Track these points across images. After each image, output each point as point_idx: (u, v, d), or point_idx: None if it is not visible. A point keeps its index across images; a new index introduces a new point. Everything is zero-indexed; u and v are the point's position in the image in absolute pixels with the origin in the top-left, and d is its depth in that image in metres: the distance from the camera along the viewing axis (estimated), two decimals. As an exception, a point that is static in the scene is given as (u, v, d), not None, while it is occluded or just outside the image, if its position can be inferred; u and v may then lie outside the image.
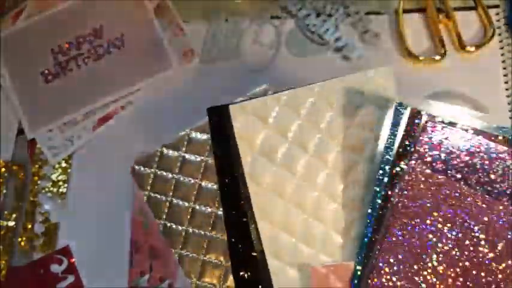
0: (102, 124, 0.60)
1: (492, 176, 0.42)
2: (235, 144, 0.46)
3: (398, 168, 0.44)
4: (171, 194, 0.52)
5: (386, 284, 0.42)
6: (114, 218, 0.56)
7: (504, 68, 0.58)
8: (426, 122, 0.43)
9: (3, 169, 0.59)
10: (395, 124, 0.45)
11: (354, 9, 0.61)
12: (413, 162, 0.43)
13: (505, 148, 0.42)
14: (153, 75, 0.61)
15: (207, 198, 0.51)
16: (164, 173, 0.52)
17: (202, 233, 0.51)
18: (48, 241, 0.57)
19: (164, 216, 0.52)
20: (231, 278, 0.49)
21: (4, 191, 0.58)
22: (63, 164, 0.59)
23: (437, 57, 0.58)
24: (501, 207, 0.41)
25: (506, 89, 0.58)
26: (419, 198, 0.42)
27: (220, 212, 0.50)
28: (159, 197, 0.52)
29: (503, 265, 0.40)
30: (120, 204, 0.56)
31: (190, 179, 0.52)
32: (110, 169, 0.58)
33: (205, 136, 0.52)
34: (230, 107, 0.46)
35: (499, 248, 0.41)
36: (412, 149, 0.43)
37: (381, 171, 0.44)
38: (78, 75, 0.61)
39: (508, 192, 0.41)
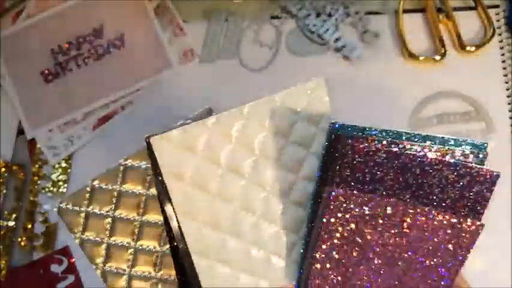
0: (102, 124, 0.60)
1: (427, 189, 0.40)
2: (163, 181, 0.41)
3: (324, 190, 0.42)
4: (107, 233, 0.46)
5: None
6: (114, 218, 0.56)
7: (504, 68, 0.58)
8: (347, 145, 0.41)
9: (3, 169, 0.59)
10: (327, 144, 0.43)
11: (354, 9, 0.61)
12: (335, 189, 0.41)
13: (441, 158, 0.40)
14: (153, 75, 0.61)
15: (150, 235, 0.46)
16: (98, 211, 0.46)
17: (148, 275, 0.46)
18: (48, 241, 0.57)
19: (102, 260, 0.46)
20: None
21: (4, 191, 0.58)
22: (63, 164, 0.59)
23: (437, 57, 0.58)
24: (436, 216, 0.40)
25: (507, 89, 0.58)
26: (345, 220, 0.41)
27: (167, 251, 0.45)
28: (93, 238, 0.46)
29: (441, 269, 0.40)
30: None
31: (128, 214, 0.46)
32: (110, 169, 0.58)
33: (143, 165, 0.47)
34: (151, 140, 0.41)
35: (435, 260, 0.40)
36: (334, 174, 0.41)
37: (314, 192, 0.43)
38: (78, 75, 0.61)
39: (447, 202, 0.40)
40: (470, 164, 0.39)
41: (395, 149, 0.41)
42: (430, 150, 0.40)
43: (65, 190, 0.58)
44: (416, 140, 0.41)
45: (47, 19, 0.62)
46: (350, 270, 0.41)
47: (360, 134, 0.42)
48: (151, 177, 0.47)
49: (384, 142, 0.41)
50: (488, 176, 0.39)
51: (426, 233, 0.40)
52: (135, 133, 0.59)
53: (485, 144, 0.40)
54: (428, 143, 0.41)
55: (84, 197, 0.47)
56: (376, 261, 0.41)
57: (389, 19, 0.61)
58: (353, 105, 0.57)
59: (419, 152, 0.40)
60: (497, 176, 0.39)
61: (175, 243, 0.42)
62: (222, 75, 0.60)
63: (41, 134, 0.60)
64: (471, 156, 0.40)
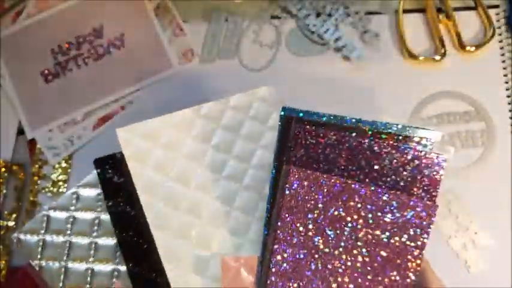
0: (102, 124, 0.60)
1: (379, 171, 0.41)
2: (127, 170, 0.47)
3: (279, 174, 0.44)
4: (65, 258, 0.49)
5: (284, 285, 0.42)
6: (114, 218, 0.56)
7: (504, 68, 0.58)
8: (298, 127, 0.43)
9: (3, 169, 0.59)
10: (279, 131, 0.45)
11: (354, 9, 0.61)
12: (291, 166, 0.42)
13: (390, 142, 0.41)
14: (153, 75, 0.61)
15: (106, 255, 0.49)
16: (55, 237, 0.50)
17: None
18: (48, 241, 0.57)
19: (61, 284, 0.48)
20: None
21: (4, 191, 0.58)
22: (63, 164, 0.59)
23: (437, 57, 0.58)
24: (392, 195, 0.40)
25: (507, 89, 0.58)
26: (303, 200, 0.42)
27: (122, 269, 0.48)
28: (52, 264, 0.49)
29: (405, 252, 0.40)
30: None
31: (84, 238, 0.50)
32: (109, 169, 0.58)
33: (95, 191, 0.51)
34: (117, 130, 0.48)
35: (393, 237, 0.40)
36: (289, 155, 0.43)
37: (270, 178, 0.45)
38: (78, 75, 0.61)
39: (401, 184, 0.41)
40: (418, 148, 0.41)
41: (345, 133, 0.42)
42: (379, 135, 0.42)
43: (65, 190, 0.58)
44: (364, 125, 0.43)
45: (47, 19, 0.62)
46: (311, 245, 0.42)
47: (311, 117, 0.44)
48: (102, 203, 0.50)
49: (334, 125, 0.43)
50: (436, 159, 0.40)
51: (384, 215, 0.40)
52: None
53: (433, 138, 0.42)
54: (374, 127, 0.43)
55: (41, 226, 0.50)
56: (338, 243, 0.41)
57: (389, 19, 0.61)
58: (353, 105, 0.57)
59: (369, 136, 0.42)
60: (444, 160, 0.40)
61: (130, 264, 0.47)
62: (222, 75, 0.60)
63: (41, 134, 0.60)
64: (416, 142, 0.42)
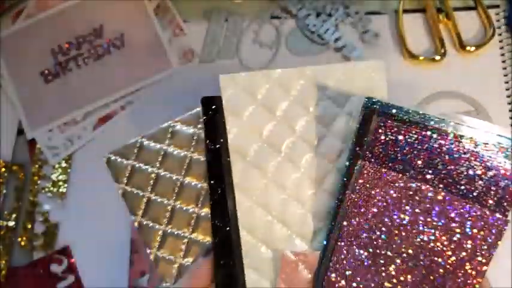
0: (102, 124, 0.60)
1: (456, 177, 0.40)
2: (222, 117, 0.46)
3: (353, 169, 0.43)
4: (149, 189, 0.48)
5: (343, 286, 0.41)
6: (114, 218, 0.56)
7: (504, 68, 0.58)
8: (380, 121, 0.42)
9: (3, 169, 0.59)
10: (359, 121, 0.43)
11: (354, 9, 0.61)
12: (366, 161, 0.41)
13: (468, 148, 0.40)
14: (153, 75, 0.61)
15: (189, 196, 0.48)
16: (143, 166, 0.49)
17: (181, 234, 0.48)
18: (48, 241, 0.57)
19: (140, 213, 0.48)
20: None
21: (4, 191, 0.58)
22: (63, 164, 0.59)
23: (437, 57, 0.58)
24: (464, 205, 0.40)
25: (507, 89, 0.58)
26: (374, 197, 0.41)
27: (202, 213, 0.47)
28: (135, 191, 0.48)
29: (467, 267, 0.39)
30: (120, 204, 0.56)
31: (171, 174, 0.48)
32: (110, 169, 0.58)
33: (191, 130, 0.49)
34: (220, 77, 0.47)
35: (460, 248, 0.39)
36: (366, 149, 0.42)
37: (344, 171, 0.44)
38: (78, 75, 0.61)
39: (474, 194, 0.40)
40: (498, 157, 0.39)
41: (426, 132, 0.41)
42: (460, 139, 0.40)
43: (65, 190, 0.58)
44: (447, 126, 0.41)
45: (47, 19, 0.62)
46: (377, 251, 0.41)
47: (394, 111, 0.42)
48: (195, 143, 0.49)
49: (417, 123, 0.41)
50: None
51: (453, 224, 0.39)
52: (135, 133, 0.59)
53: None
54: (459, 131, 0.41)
55: (132, 152, 0.49)
56: (403, 248, 0.40)
57: (389, 19, 0.61)
58: (353, 105, 0.57)
59: (450, 138, 0.40)
60: None
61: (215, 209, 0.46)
62: (222, 75, 0.60)
63: (41, 134, 0.60)
64: (497, 150, 0.40)
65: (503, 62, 0.58)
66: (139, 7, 0.62)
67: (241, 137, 0.46)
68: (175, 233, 0.48)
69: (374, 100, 0.43)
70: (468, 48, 0.58)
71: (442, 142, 0.40)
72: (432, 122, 0.41)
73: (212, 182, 0.47)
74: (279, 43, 0.61)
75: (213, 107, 0.48)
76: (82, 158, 0.59)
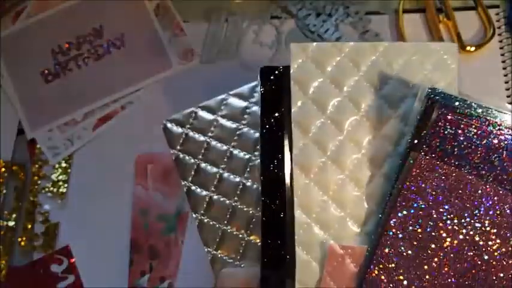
0: (102, 124, 0.60)
1: (511, 175, 0.40)
2: (289, 85, 0.45)
3: (407, 161, 0.42)
4: (200, 156, 0.50)
5: (384, 278, 0.41)
6: (114, 218, 0.56)
7: (504, 68, 0.58)
8: (440, 114, 0.42)
9: (3, 169, 0.59)
10: (420, 112, 0.43)
11: (354, 9, 0.61)
12: (421, 155, 0.41)
13: None
14: (153, 75, 0.61)
15: (237, 166, 0.49)
16: (196, 134, 0.50)
17: (227, 201, 0.49)
18: (48, 241, 0.57)
19: (190, 178, 0.50)
20: (250, 253, 0.47)
21: (4, 191, 0.58)
22: (63, 164, 0.59)
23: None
24: None
25: (506, 89, 0.58)
26: (424, 190, 0.41)
27: (248, 183, 0.48)
28: (187, 157, 0.50)
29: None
30: (120, 204, 0.56)
31: (222, 144, 0.50)
32: (110, 169, 0.58)
33: (244, 103, 0.50)
34: (291, 45, 0.46)
35: (504, 244, 0.39)
36: (423, 141, 0.42)
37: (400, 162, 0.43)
38: (78, 75, 0.61)
39: None
40: None
41: (487, 127, 0.40)
42: None
43: (65, 190, 0.58)
44: (509, 122, 0.41)
45: (47, 19, 0.62)
46: (421, 244, 0.41)
47: (456, 104, 0.41)
48: (247, 115, 0.50)
49: (478, 117, 0.41)
50: None
51: (503, 219, 0.39)
52: (135, 133, 0.59)
53: None
54: None
55: (188, 120, 0.50)
56: (448, 241, 0.40)
57: (389, 19, 0.61)
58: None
59: (510, 134, 0.40)
60: None
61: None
62: (222, 75, 0.60)
63: (41, 134, 0.60)
64: None
65: (503, 62, 0.58)
66: (139, 7, 0.62)
67: (305, 111, 0.46)
68: (221, 199, 0.49)
69: (437, 91, 0.42)
70: (468, 48, 0.58)
71: (502, 138, 0.40)
72: (494, 117, 0.41)
73: (264, 156, 0.47)
74: (279, 43, 0.61)
75: (272, 77, 0.48)
76: (82, 158, 0.59)
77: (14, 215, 0.58)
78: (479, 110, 0.41)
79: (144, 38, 0.62)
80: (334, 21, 0.61)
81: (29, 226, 0.57)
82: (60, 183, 0.58)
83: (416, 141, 0.42)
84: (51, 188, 0.58)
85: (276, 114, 0.47)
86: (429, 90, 0.42)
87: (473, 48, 0.58)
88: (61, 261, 0.56)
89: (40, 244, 0.57)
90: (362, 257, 0.43)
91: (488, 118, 0.41)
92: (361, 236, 0.45)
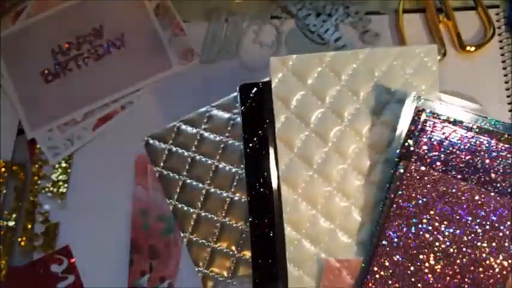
0: (102, 124, 0.60)
1: (493, 175, 0.42)
2: (271, 101, 0.45)
3: (397, 169, 0.43)
4: (185, 173, 0.49)
5: None
6: (114, 218, 0.56)
7: (504, 68, 0.58)
8: (426, 122, 0.43)
9: (3, 169, 0.59)
10: (411, 121, 0.43)
11: (354, 9, 0.61)
12: (411, 162, 0.42)
13: (507, 146, 0.41)
14: (153, 75, 0.61)
15: (224, 181, 0.48)
16: (180, 150, 0.49)
17: (215, 218, 0.48)
18: (48, 241, 0.57)
19: (176, 196, 0.48)
20: (241, 269, 0.46)
21: (4, 191, 0.58)
22: (63, 164, 0.59)
23: (438, 57, 0.58)
24: (499, 200, 0.41)
25: (506, 89, 0.58)
26: (415, 198, 0.42)
27: (236, 198, 0.47)
28: (171, 174, 0.49)
29: (500, 258, 0.40)
30: (120, 204, 0.56)
31: (207, 159, 0.49)
32: (110, 169, 0.58)
33: (227, 115, 0.49)
34: (271, 59, 0.45)
35: (496, 241, 0.41)
36: (412, 150, 0.43)
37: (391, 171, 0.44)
38: (78, 75, 0.61)
39: (509, 190, 0.41)
40: None
41: (469, 131, 0.42)
42: (499, 138, 0.42)
43: (65, 190, 0.58)
44: (489, 126, 0.42)
45: (47, 19, 0.62)
46: (414, 251, 0.41)
47: (442, 110, 0.43)
48: (231, 127, 0.49)
49: (460, 122, 0.42)
50: None
51: (489, 218, 0.41)
52: (135, 133, 0.59)
53: None
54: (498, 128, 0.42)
55: (170, 135, 0.49)
56: (440, 245, 0.41)
57: (389, 19, 0.61)
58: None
59: (490, 137, 0.42)
60: None
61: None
62: (222, 75, 0.60)
63: (41, 134, 0.60)
64: None
65: (503, 62, 0.58)
66: (139, 7, 0.62)
67: (289, 125, 0.45)
68: (209, 216, 0.48)
69: (423, 98, 0.43)
70: (468, 48, 0.58)
71: (483, 141, 0.42)
72: (475, 121, 0.42)
73: (249, 175, 0.46)
74: (279, 43, 0.61)
75: (252, 94, 0.47)
76: (82, 158, 0.59)
77: (14, 215, 0.58)
78: (462, 115, 0.42)
79: (144, 38, 0.62)
80: (334, 21, 0.61)
81: (29, 226, 0.57)
82: (60, 183, 0.58)
83: (404, 149, 0.43)
84: (51, 188, 0.58)
85: (260, 132, 0.46)
86: (415, 98, 0.43)
87: (473, 48, 0.58)
88: (61, 261, 0.56)
89: (40, 244, 0.57)
90: (358, 269, 0.43)
91: (470, 123, 0.42)
92: (353, 247, 0.45)
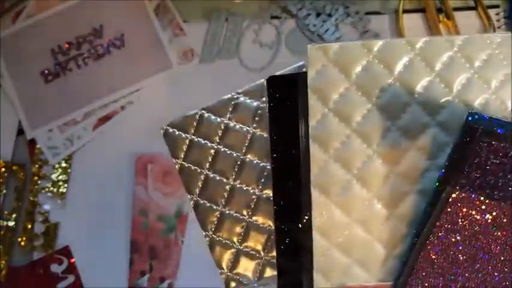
0: (102, 124, 0.60)
1: None
2: (306, 95, 0.38)
3: (443, 191, 0.37)
4: (207, 166, 0.44)
5: None
6: (114, 218, 0.56)
7: (504, 68, 0.58)
8: (483, 143, 0.35)
9: (3, 169, 0.59)
10: (460, 137, 0.36)
11: (354, 9, 0.61)
12: (456, 189, 0.36)
13: None
14: (153, 75, 0.61)
15: (250, 176, 0.44)
16: (202, 141, 0.45)
17: (240, 216, 0.43)
18: (48, 241, 0.57)
19: (197, 192, 0.44)
20: (268, 272, 0.43)
21: (4, 191, 0.58)
22: (63, 164, 0.59)
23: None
24: None
25: (507, 89, 0.57)
26: (460, 227, 0.36)
27: (263, 195, 0.43)
28: (193, 168, 0.44)
29: None
30: (120, 204, 0.56)
31: (232, 151, 0.44)
32: (110, 169, 0.58)
33: (254, 103, 0.44)
34: (309, 47, 0.39)
35: None
36: (465, 171, 0.36)
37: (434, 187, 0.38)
38: (78, 75, 0.61)
39: None
40: None
41: None
42: None
43: (65, 190, 0.58)
44: None
45: (47, 19, 0.62)
46: (452, 278, 0.36)
47: (499, 130, 0.35)
48: (259, 118, 0.44)
49: None
50: None
51: None
52: (135, 133, 0.59)
53: None
54: None
55: (191, 124, 0.45)
56: (480, 274, 0.36)
57: (389, 19, 0.61)
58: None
59: None
60: None
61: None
62: (222, 75, 0.60)
63: (41, 134, 0.60)
64: None
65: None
66: (139, 7, 0.62)
67: (326, 125, 0.39)
68: (234, 215, 0.44)
69: (478, 115, 0.35)
70: (468, 48, 0.58)
71: None
72: None
73: (277, 178, 0.41)
74: (279, 43, 0.61)
75: (281, 88, 0.41)
76: (82, 158, 0.59)
77: (14, 215, 0.58)
78: None
79: (144, 38, 0.62)
80: (334, 21, 0.61)
81: (29, 226, 0.57)
82: (60, 183, 0.58)
83: (450, 173, 0.37)
84: (51, 188, 0.58)
85: (290, 133, 0.41)
86: (469, 116, 0.36)
87: (473, 48, 0.58)
88: (61, 261, 0.56)
89: (40, 244, 0.57)
90: None
91: None
92: (389, 260, 0.40)
